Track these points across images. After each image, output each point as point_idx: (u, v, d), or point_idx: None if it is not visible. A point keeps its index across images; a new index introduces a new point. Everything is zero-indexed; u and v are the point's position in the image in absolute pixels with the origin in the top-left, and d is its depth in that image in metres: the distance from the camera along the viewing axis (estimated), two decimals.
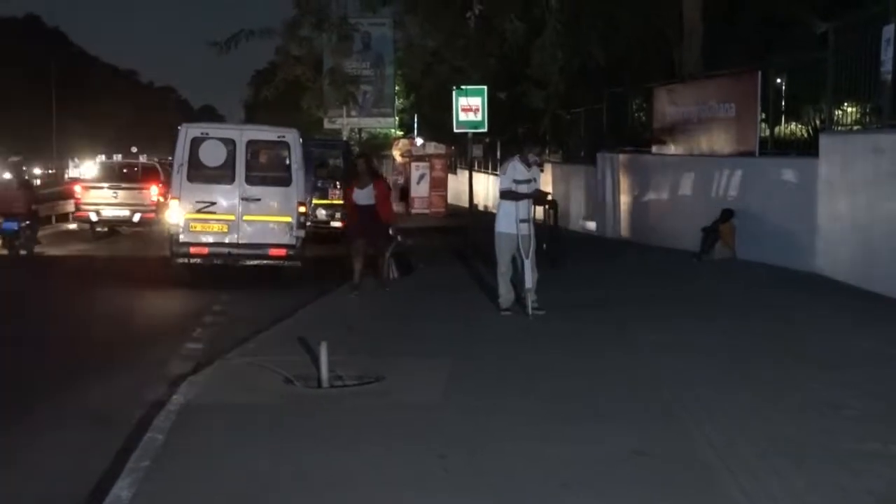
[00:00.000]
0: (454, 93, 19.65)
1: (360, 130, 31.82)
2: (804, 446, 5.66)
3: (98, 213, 23.19)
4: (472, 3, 19.76)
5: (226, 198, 13.84)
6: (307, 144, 18.26)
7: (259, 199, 13.83)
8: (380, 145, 36.74)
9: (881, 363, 7.94)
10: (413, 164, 32.80)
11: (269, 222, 13.83)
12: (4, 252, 18.48)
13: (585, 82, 22.85)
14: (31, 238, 18.79)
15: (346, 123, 28.36)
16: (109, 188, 23.57)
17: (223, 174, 13.86)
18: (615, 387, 7.19)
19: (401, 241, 13.82)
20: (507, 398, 6.88)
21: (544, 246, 10.49)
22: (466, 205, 21.47)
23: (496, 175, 28.91)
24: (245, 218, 13.78)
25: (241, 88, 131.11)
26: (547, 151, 24.83)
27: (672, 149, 18.45)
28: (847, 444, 5.69)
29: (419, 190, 32.02)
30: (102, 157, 41.37)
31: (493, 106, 20.83)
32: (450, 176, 34.60)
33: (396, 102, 32.95)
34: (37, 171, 73.55)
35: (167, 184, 18.70)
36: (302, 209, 13.96)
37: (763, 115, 15.15)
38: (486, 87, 19.70)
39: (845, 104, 13.46)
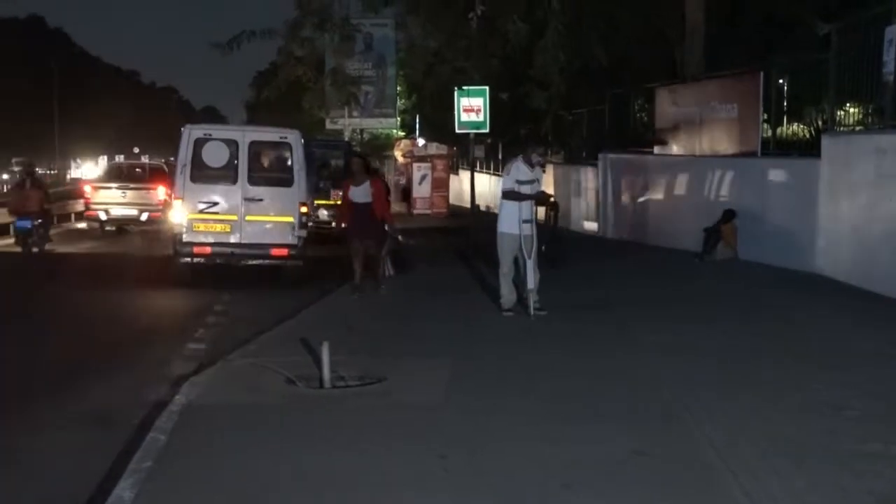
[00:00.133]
0: (456, 93, 19.65)
1: (361, 131, 31.86)
2: (805, 447, 5.66)
3: (107, 212, 24.00)
4: (475, 3, 19.75)
5: (228, 198, 13.92)
6: (309, 145, 18.29)
7: (261, 200, 13.93)
8: (381, 146, 36.73)
9: (882, 363, 7.93)
10: (415, 165, 32.80)
11: (271, 222, 13.94)
12: (18, 249, 19.05)
13: (587, 83, 22.86)
14: (43, 236, 19.33)
15: (347, 124, 28.39)
16: (118, 188, 24.33)
17: (226, 175, 13.97)
18: (616, 387, 7.19)
19: (401, 241, 13.84)
20: (508, 398, 6.88)
21: (543, 248, 10.45)
22: (468, 205, 21.49)
23: (498, 175, 28.94)
24: (247, 218, 13.87)
25: (242, 89, 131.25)
26: (549, 152, 24.81)
27: (674, 149, 18.46)
28: (848, 444, 5.68)
29: (421, 190, 32.02)
30: (115, 158, 41.89)
31: (495, 106, 20.84)
32: (451, 176, 34.61)
33: (398, 103, 32.96)
34: (37, 171, 73.67)
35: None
36: (304, 209, 14.04)
37: (765, 116, 15.16)
38: (487, 88, 19.70)
39: (847, 105, 13.46)
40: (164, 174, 24.81)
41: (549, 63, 20.66)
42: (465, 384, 7.35)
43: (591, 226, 22.17)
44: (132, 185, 24.59)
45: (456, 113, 19.70)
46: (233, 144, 14.02)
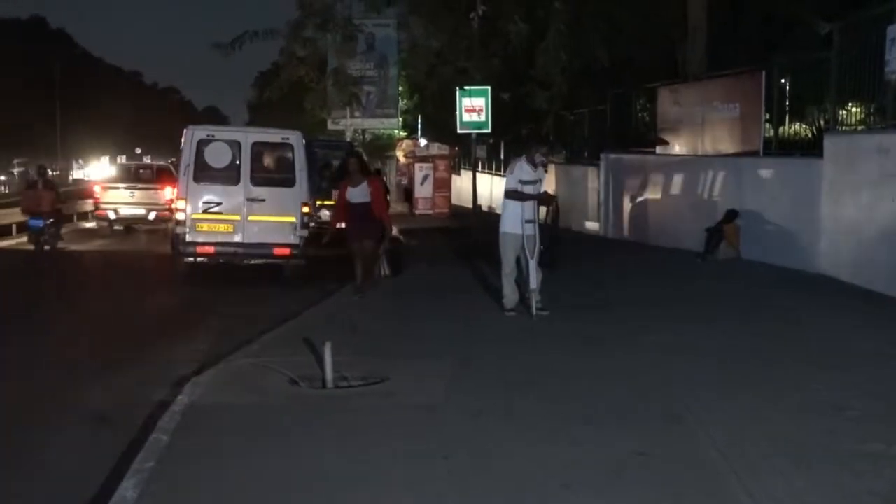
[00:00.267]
0: (458, 93, 19.66)
1: (363, 131, 31.84)
2: (806, 447, 5.67)
3: (116, 211, 24.91)
4: (476, 4, 19.76)
5: (231, 198, 14.11)
6: (311, 146, 18.34)
7: (264, 200, 14.13)
8: (383, 146, 36.77)
9: (882, 363, 7.93)
10: (417, 165, 32.82)
11: (273, 222, 14.11)
12: (31, 247, 19.91)
13: (589, 83, 22.87)
14: (55, 235, 20.23)
15: (349, 124, 28.39)
16: (126, 188, 25.27)
17: (229, 175, 14.17)
18: (617, 387, 7.20)
19: (402, 241, 13.87)
20: (510, 399, 6.89)
21: (541, 247, 10.44)
22: (470, 205, 21.49)
23: (500, 176, 28.97)
24: (250, 218, 14.07)
25: (244, 89, 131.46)
26: (551, 152, 24.83)
27: (676, 149, 18.46)
28: (849, 444, 5.69)
29: (423, 191, 32.02)
30: (117, 159, 42.42)
31: (497, 107, 20.84)
32: (453, 177, 34.61)
33: (400, 103, 32.96)
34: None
35: None
36: (305, 209, 14.25)
37: (767, 116, 15.15)
38: (489, 88, 19.70)
39: (849, 104, 13.45)
40: (170, 175, 25.13)
41: (551, 63, 20.67)
42: (468, 384, 7.36)
43: (592, 226, 22.16)
44: (140, 186, 25.53)
45: (458, 113, 19.70)
46: (235, 145, 14.24)
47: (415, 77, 31.58)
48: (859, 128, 13.10)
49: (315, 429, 6.21)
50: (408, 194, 33.87)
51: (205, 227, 14.05)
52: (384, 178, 28.64)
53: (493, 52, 22.51)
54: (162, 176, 25.92)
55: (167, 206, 23.54)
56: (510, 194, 10.36)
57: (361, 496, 5.01)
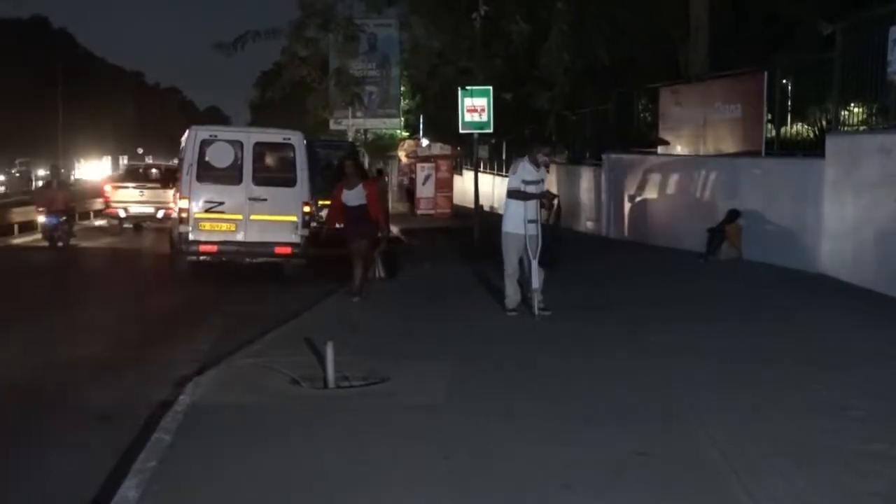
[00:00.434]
0: (460, 93, 19.64)
1: (365, 131, 31.84)
2: (807, 447, 5.67)
3: (126, 210, 26.07)
4: (478, 4, 19.76)
5: (233, 198, 14.27)
6: (313, 146, 18.38)
7: (265, 200, 14.31)
8: (385, 146, 36.76)
9: (883, 364, 7.92)
10: (418, 165, 32.81)
11: (275, 221, 14.28)
12: (45, 244, 20.99)
13: (591, 83, 22.86)
14: (67, 232, 21.24)
15: (351, 124, 28.38)
16: (135, 188, 26.36)
17: (231, 175, 14.34)
18: (619, 388, 7.19)
19: (404, 242, 13.84)
20: (511, 399, 6.89)
21: (544, 245, 10.43)
22: (472, 206, 21.47)
23: (502, 176, 28.96)
24: (252, 217, 14.24)
25: (246, 89, 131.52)
26: (553, 152, 24.84)
27: (678, 149, 18.45)
28: (850, 444, 5.68)
29: (425, 191, 32.01)
30: (119, 159, 42.91)
31: (499, 107, 20.82)
32: (455, 177, 34.60)
33: (402, 103, 32.95)
34: (41, 172, 73.74)
35: None
36: (306, 209, 14.42)
37: (769, 116, 15.14)
38: (491, 88, 19.67)
39: (852, 105, 13.44)
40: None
41: (554, 63, 20.66)
42: (469, 385, 7.36)
43: (594, 226, 22.15)
44: (149, 185, 26.52)
45: (459, 113, 19.68)
46: (238, 145, 14.42)
47: (416, 77, 31.58)
48: (861, 128, 13.09)
49: (316, 429, 6.21)
50: (409, 194, 33.85)
51: (207, 226, 14.20)
52: (386, 179, 28.66)
53: (494, 53, 22.49)
54: (170, 175, 26.15)
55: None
56: (513, 194, 10.35)
57: (362, 496, 5.01)
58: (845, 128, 13.25)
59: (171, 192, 24.80)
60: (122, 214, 26.21)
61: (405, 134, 37.77)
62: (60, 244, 20.79)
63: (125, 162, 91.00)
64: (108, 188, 27.66)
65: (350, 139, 27.76)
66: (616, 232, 20.44)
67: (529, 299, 10.33)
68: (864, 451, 5.56)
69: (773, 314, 10.39)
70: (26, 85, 69.48)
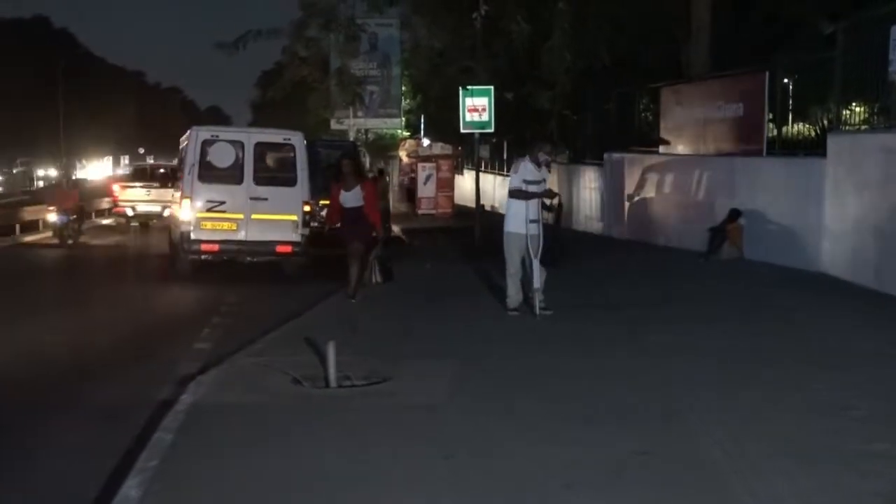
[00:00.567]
0: (461, 93, 19.64)
1: (366, 131, 31.85)
2: (810, 447, 5.66)
3: (134, 208, 27.10)
4: (478, 4, 19.77)
5: (235, 197, 14.40)
6: (314, 145, 18.42)
7: (266, 199, 14.44)
8: (386, 146, 36.75)
9: (884, 363, 7.90)
10: (420, 165, 32.78)
11: (275, 221, 14.41)
12: (56, 241, 21.78)
13: (591, 83, 22.86)
14: (77, 230, 22.33)
15: (352, 124, 28.40)
16: (143, 187, 27.37)
17: (232, 175, 14.48)
18: (620, 388, 7.18)
19: (406, 242, 13.80)
20: (513, 399, 6.88)
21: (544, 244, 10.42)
22: (473, 205, 21.47)
23: (503, 175, 28.95)
24: (253, 216, 14.39)
25: (247, 89, 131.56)
26: (554, 151, 24.87)
27: (679, 149, 18.44)
28: (853, 444, 5.67)
29: (426, 191, 31.99)
30: (121, 159, 43.64)
31: (500, 106, 20.82)
32: (456, 176, 34.58)
33: (403, 103, 32.96)
34: (40, 172, 73.76)
35: None
36: (307, 208, 14.56)
37: (770, 115, 15.14)
38: (492, 88, 19.66)
39: (853, 104, 13.44)
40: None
41: (555, 63, 20.66)
42: (470, 384, 7.36)
43: (595, 225, 22.15)
44: (155, 185, 27.25)
45: (461, 113, 19.68)
46: (239, 145, 14.57)
47: (417, 77, 31.61)
48: (863, 128, 13.09)
49: (317, 428, 6.20)
50: (410, 194, 33.82)
51: (209, 225, 14.33)
52: (387, 179, 28.65)
53: (495, 52, 22.49)
54: (176, 175, 26.74)
55: None
56: (514, 193, 10.35)
57: (363, 496, 5.01)
58: (847, 127, 13.25)
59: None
60: (130, 213, 27.16)
61: (406, 134, 37.77)
62: (70, 242, 21.64)
63: (126, 162, 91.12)
64: (116, 188, 28.86)
65: (351, 139, 27.78)
66: (617, 231, 20.44)
67: (531, 299, 10.32)
68: (866, 450, 5.55)
69: (773, 314, 10.38)
70: (27, 85, 69.46)
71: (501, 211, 11.40)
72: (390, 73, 29.84)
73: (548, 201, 10.79)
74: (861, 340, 8.86)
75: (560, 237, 14.75)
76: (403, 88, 32.74)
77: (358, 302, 11.72)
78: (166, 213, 25.59)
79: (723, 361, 7.98)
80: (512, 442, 5.83)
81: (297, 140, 14.84)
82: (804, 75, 15.01)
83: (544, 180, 10.53)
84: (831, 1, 18.15)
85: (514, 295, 10.47)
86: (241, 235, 14.37)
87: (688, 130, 18.07)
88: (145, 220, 27.42)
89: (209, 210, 14.27)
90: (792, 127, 15.64)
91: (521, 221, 10.25)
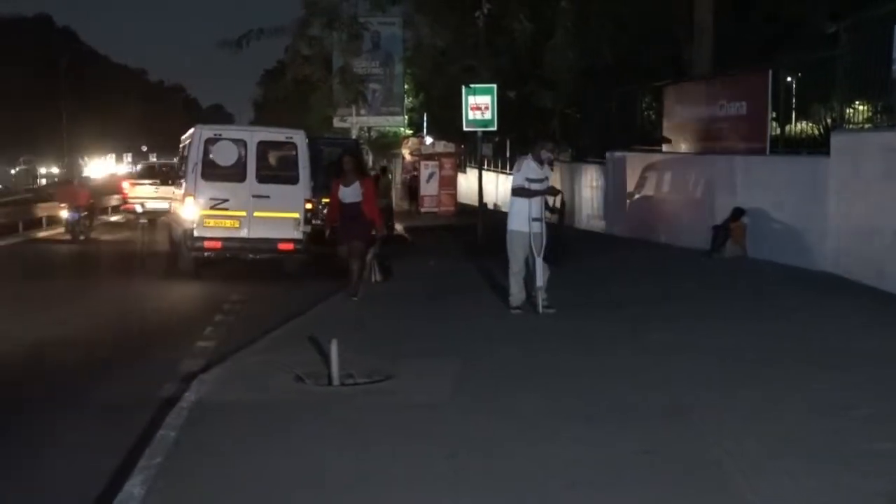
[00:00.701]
0: (464, 91, 19.63)
1: (369, 129, 31.84)
2: (814, 446, 5.65)
3: (143, 205, 27.43)
4: (481, 2, 19.77)
5: (238, 195, 14.51)
6: (317, 143, 18.44)
7: (268, 197, 14.56)
8: (389, 144, 36.73)
9: (888, 363, 7.87)
10: (422, 163, 32.80)
11: (277, 218, 14.53)
12: (67, 237, 22.67)
13: (594, 81, 22.85)
14: (88, 226, 23.30)
15: (355, 122, 28.39)
16: (151, 184, 28.26)
17: (235, 173, 14.60)
18: (624, 386, 7.17)
19: (408, 239, 13.77)
20: (515, 397, 6.88)
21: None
22: (476, 203, 21.48)
23: (506, 174, 28.95)
24: (255, 214, 14.51)
25: (250, 87, 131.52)
26: (557, 149, 24.85)
27: (682, 147, 18.43)
28: (857, 444, 5.66)
29: (429, 189, 32.01)
30: (123, 157, 44.82)
31: (502, 105, 20.81)
32: (459, 175, 34.57)
33: (406, 101, 32.95)
34: (42, 170, 73.80)
35: None
36: (308, 206, 14.71)
37: (774, 114, 15.12)
38: (495, 86, 19.65)
39: (856, 103, 13.42)
40: None
41: (558, 62, 20.65)
42: (473, 383, 7.36)
43: (598, 224, 22.15)
44: (163, 182, 27.58)
45: (463, 111, 19.68)
46: (241, 144, 14.69)
47: (420, 75, 31.58)
48: (866, 126, 13.07)
49: (320, 426, 6.21)
50: (412, 192, 33.80)
51: (212, 222, 14.45)
52: (390, 176, 28.64)
53: (498, 51, 22.48)
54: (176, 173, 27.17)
55: None
56: (517, 192, 10.34)
57: (365, 494, 5.01)
58: (850, 126, 13.23)
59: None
60: (140, 210, 27.64)
61: (409, 132, 37.74)
62: (82, 237, 22.55)
63: (129, 160, 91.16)
64: (125, 185, 29.97)
65: (354, 137, 27.78)
66: (620, 230, 20.42)
67: (534, 297, 10.32)
68: (873, 450, 5.54)
69: (776, 313, 10.35)
70: (29, 83, 69.42)
71: (504, 209, 11.39)
72: (393, 71, 29.81)
73: (551, 200, 10.78)
74: (864, 340, 8.84)
75: (563, 235, 14.71)
76: (406, 87, 32.71)
77: (360, 300, 11.71)
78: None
79: (726, 360, 7.95)
80: (513, 441, 5.82)
81: (299, 138, 14.97)
82: (807, 74, 14.99)
83: (547, 178, 10.52)
84: (832, 0, 18.13)
85: (517, 293, 10.46)
86: (244, 233, 14.50)
87: (691, 129, 18.05)
88: (154, 217, 27.51)
89: (212, 208, 14.39)
90: (795, 125, 15.61)
91: (524, 219, 10.24)
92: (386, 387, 7.22)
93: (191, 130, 15.33)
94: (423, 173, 32.26)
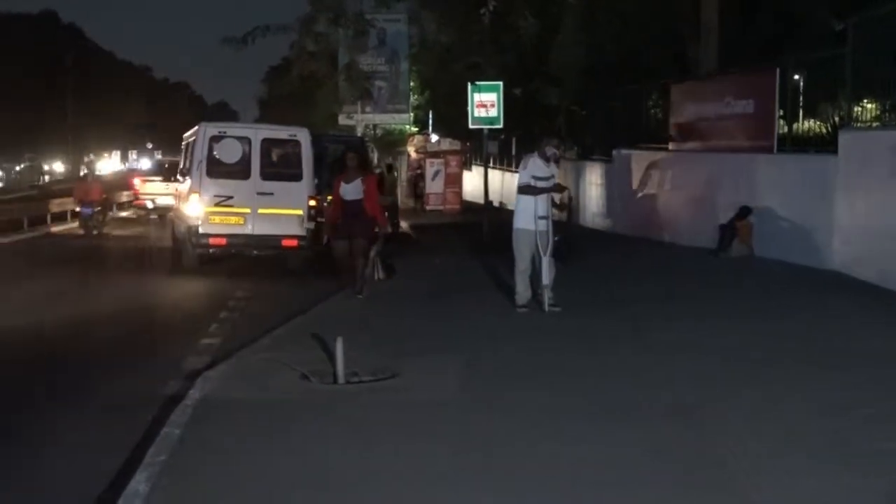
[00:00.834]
0: (469, 88, 19.57)
1: (374, 126, 31.80)
2: (818, 446, 5.61)
3: (153, 201, 28.63)
4: None
5: (242, 192, 14.59)
6: (322, 141, 18.44)
7: (272, 194, 14.64)
8: (395, 141, 36.69)
9: (893, 363, 7.82)
10: (428, 161, 32.71)
11: (281, 215, 14.61)
12: (81, 232, 23.64)
13: (601, 79, 22.79)
14: (101, 221, 24.24)
15: (360, 119, 28.37)
16: (162, 181, 28.47)
17: (239, 170, 14.68)
18: (628, 385, 7.14)
19: (413, 237, 13.72)
20: (520, 396, 6.85)
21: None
22: (481, 201, 21.43)
23: (512, 171, 28.88)
24: (260, 211, 14.58)
25: (255, 84, 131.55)
26: (562, 146, 24.81)
27: (689, 145, 18.35)
28: (861, 443, 5.62)
29: (434, 186, 31.93)
30: (129, 154, 45.90)
31: (508, 102, 20.76)
32: (465, 172, 34.49)
33: (411, 98, 32.91)
34: (45, 167, 73.88)
35: None
36: (312, 203, 14.74)
37: (781, 112, 15.05)
38: (501, 83, 19.58)
39: (864, 101, 13.34)
40: None
41: (565, 59, 20.60)
42: (478, 381, 7.34)
43: (602, 222, 22.09)
44: (174, 178, 27.87)
45: (469, 108, 19.61)
46: (246, 141, 14.78)
47: (425, 72, 31.53)
48: (874, 125, 12.99)
49: (325, 424, 6.18)
50: (415, 190, 33.68)
51: (217, 219, 14.52)
52: (395, 174, 28.59)
53: (503, 48, 22.43)
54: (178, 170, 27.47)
55: None
56: (523, 189, 10.29)
57: (369, 492, 4.98)
58: (858, 124, 13.16)
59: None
60: (150, 205, 28.80)
61: (414, 129, 37.70)
62: (96, 232, 23.45)
63: (134, 157, 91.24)
64: (137, 182, 31.01)
65: (359, 134, 27.75)
66: (626, 228, 20.35)
67: (540, 296, 10.28)
68: (877, 450, 5.50)
69: (786, 312, 10.28)
70: (35, 80, 69.50)
71: (510, 207, 11.33)
72: (398, 68, 29.76)
73: (557, 198, 10.73)
74: (868, 339, 8.77)
75: (568, 239, 14.65)
76: (412, 84, 32.66)
77: (365, 298, 11.67)
78: None
79: (731, 359, 7.90)
80: (518, 439, 5.80)
81: (303, 136, 15.06)
82: (815, 72, 14.91)
83: (553, 176, 10.47)
84: None
85: (522, 291, 10.42)
86: (248, 229, 14.57)
87: (697, 127, 17.97)
88: (164, 213, 28.12)
89: (217, 205, 14.46)
90: (803, 124, 15.53)
91: (530, 218, 10.19)
92: (391, 385, 7.20)
93: (194, 128, 15.45)
94: (429, 171, 32.19)
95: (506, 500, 4.88)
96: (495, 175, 29.68)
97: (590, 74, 22.79)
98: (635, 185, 20.08)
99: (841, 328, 9.40)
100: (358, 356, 7.62)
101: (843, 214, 12.64)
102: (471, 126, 20.17)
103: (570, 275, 11.17)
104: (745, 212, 14.78)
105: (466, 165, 35.87)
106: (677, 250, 16.65)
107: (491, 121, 19.57)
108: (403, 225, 23.85)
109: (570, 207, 10.53)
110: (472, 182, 34.58)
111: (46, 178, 70.45)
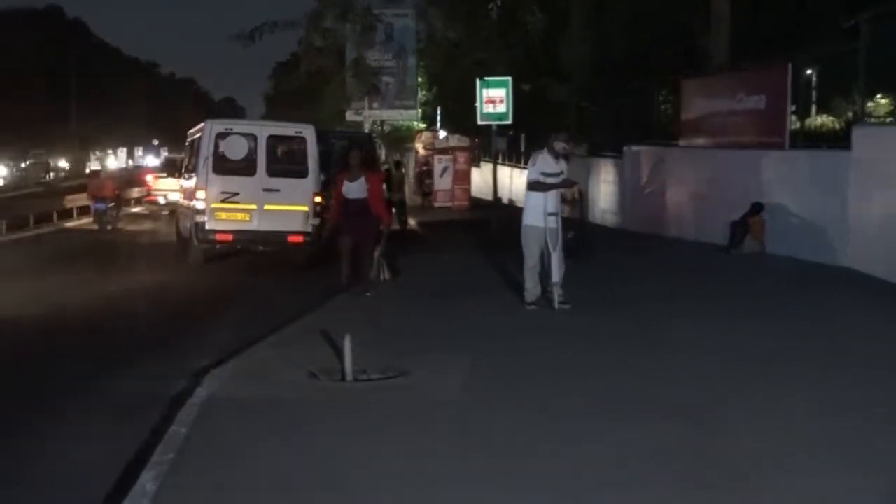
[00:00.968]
0: (478, 84, 19.49)
1: (382, 122, 31.74)
2: (830, 445, 5.54)
3: (165, 196, 29.08)
4: None
5: (248, 188, 14.64)
6: (329, 137, 18.42)
7: (278, 190, 14.67)
8: (402, 137, 36.64)
9: None
10: (436, 157, 32.64)
11: (287, 211, 14.64)
12: (95, 227, 24.25)
13: (609, 75, 22.69)
14: (115, 217, 24.90)
15: (368, 115, 28.32)
16: (175, 178, 28.32)
17: (245, 166, 14.75)
18: (638, 384, 7.04)
19: (420, 234, 13.64)
20: (528, 394, 6.77)
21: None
22: (490, 198, 21.36)
23: (520, 168, 28.80)
24: (266, 207, 14.62)
25: (261, 80, 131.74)
26: (572, 141, 24.70)
27: (700, 141, 18.23)
28: (875, 443, 5.53)
29: (442, 183, 31.86)
30: (135, 150, 47.76)
31: (516, 98, 20.69)
32: (473, 169, 34.41)
33: (419, 94, 32.84)
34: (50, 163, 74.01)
35: None
36: (318, 199, 14.76)
37: (793, 108, 14.92)
38: (510, 79, 19.51)
39: (878, 96, 13.22)
40: None
41: (573, 54, 20.49)
42: (486, 379, 7.27)
43: (612, 218, 21.99)
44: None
45: (478, 104, 19.54)
46: (252, 138, 14.87)
47: (433, 68, 31.45)
48: (888, 120, 12.87)
49: (333, 422, 6.12)
50: (420, 187, 33.59)
51: (223, 215, 14.57)
52: (403, 170, 28.51)
53: (511, 43, 22.35)
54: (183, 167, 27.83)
55: None
56: (532, 186, 10.18)
57: (377, 490, 4.92)
58: (872, 119, 13.04)
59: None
60: (162, 201, 29.48)
61: (422, 125, 37.63)
62: (109, 227, 24.02)
63: (140, 153, 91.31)
64: (149, 178, 32.09)
65: (367, 130, 27.68)
66: (637, 224, 20.25)
67: (549, 293, 10.18)
68: (884, 450, 5.41)
69: (799, 310, 10.17)
70: (41, 75, 69.54)
71: (519, 204, 11.23)
72: (406, 63, 29.69)
73: (568, 194, 10.62)
74: (879, 337, 8.65)
75: (580, 238, 14.54)
76: (419, 80, 32.59)
77: (373, 296, 11.57)
78: None
79: (745, 359, 7.78)
80: (526, 437, 5.74)
81: (309, 132, 15.11)
82: (827, 67, 14.79)
83: (563, 172, 10.34)
84: None
85: (531, 288, 10.32)
86: (254, 225, 14.61)
87: (708, 123, 17.85)
88: (175, 208, 28.40)
89: (223, 201, 14.50)
90: (815, 119, 15.41)
91: (539, 214, 10.09)
92: (400, 383, 7.12)
93: (200, 125, 15.52)
94: (437, 167, 32.12)
95: (514, 496, 4.82)
96: (504, 171, 29.62)
97: (598, 70, 22.68)
98: (646, 181, 19.97)
99: (857, 325, 9.27)
100: (367, 354, 7.54)
101: (857, 210, 12.52)
102: (479, 122, 20.11)
103: (581, 272, 11.08)
104: (757, 208, 14.66)
105: (475, 162, 35.79)
106: (689, 247, 16.55)
107: (500, 117, 19.52)
108: (411, 222, 23.77)
109: (581, 204, 10.37)
110: (480, 178, 34.50)
111: (51, 175, 70.49)
